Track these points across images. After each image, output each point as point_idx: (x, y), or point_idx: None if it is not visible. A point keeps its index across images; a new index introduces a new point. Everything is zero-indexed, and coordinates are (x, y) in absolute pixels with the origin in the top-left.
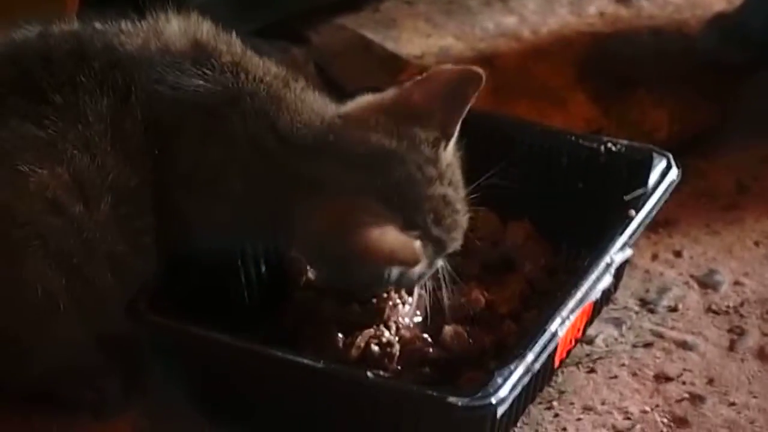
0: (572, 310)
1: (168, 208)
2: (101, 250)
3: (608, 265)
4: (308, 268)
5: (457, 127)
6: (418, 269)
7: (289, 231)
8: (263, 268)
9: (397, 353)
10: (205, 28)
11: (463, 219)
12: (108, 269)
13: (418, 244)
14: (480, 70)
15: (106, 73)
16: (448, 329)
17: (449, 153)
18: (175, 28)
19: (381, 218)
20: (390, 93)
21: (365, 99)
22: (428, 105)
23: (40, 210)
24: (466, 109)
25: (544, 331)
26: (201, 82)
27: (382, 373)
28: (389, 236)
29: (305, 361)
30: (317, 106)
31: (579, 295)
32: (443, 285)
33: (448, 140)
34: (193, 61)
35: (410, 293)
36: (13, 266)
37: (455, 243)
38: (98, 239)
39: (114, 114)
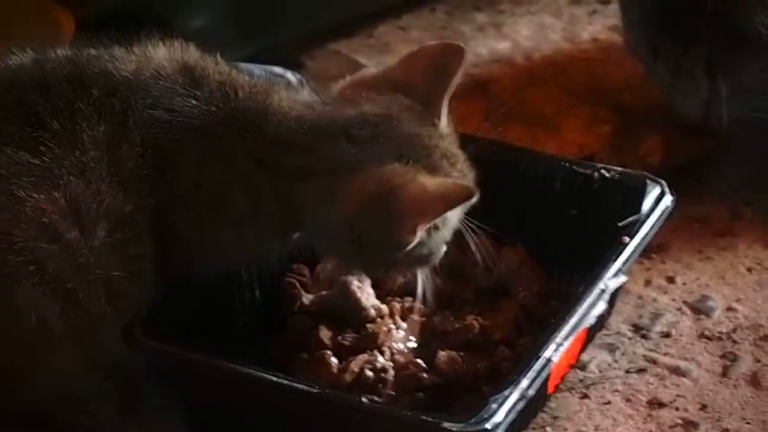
0: (566, 337)
1: (168, 233)
2: (96, 275)
3: (602, 292)
4: (302, 292)
5: (444, 103)
6: (452, 223)
7: (295, 235)
8: (257, 293)
9: (392, 378)
10: (191, 52)
11: (470, 175)
12: (103, 295)
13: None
14: (461, 44)
15: (104, 100)
16: (442, 354)
17: (443, 125)
18: (164, 53)
19: (409, 174)
20: (371, 71)
21: (345, 80)
22: (411, 80)
23: (36, 235)
24: (452, 84)
25: (539, 357)
26: (195, 103)
27: (376, 398)
28: (429, 183)
29: (300, 385)
30: (304, 101)
31: (573, 321)
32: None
33: (434, 115)
34: (185, 84)
35: (404, 318)
36: (8, 292)
37: (475, 191)
38: (93, 265)
39: (111, 140)
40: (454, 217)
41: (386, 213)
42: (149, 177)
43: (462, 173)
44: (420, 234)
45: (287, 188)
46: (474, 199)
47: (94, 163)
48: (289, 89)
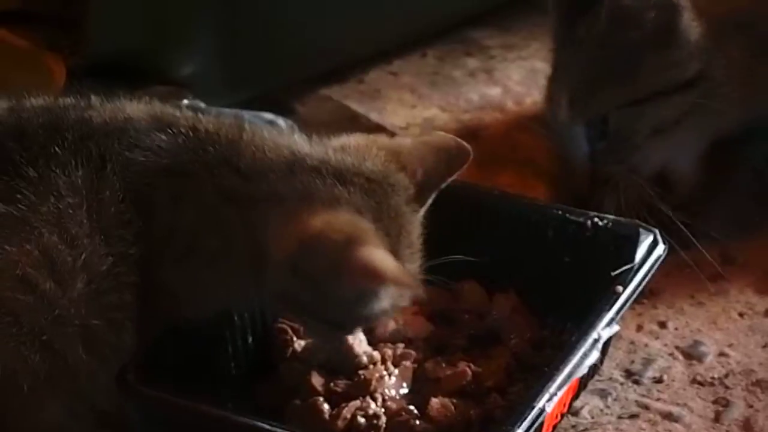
0: (560, 387)
1: (150, 279)
2: (74, 326)
3: (595, 341)
4: (294, 339)
5: (432, 196)
6: (389, 302)
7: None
8: (250, 339)
9: (384, 425)
10: (155, 104)
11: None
12: (80, 344)
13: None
14: (469, 148)
15: (80, 145)
16: (434, 401)
17: (420, 216)
18: (135, 105)
19: (372, 237)
20: (383, 138)
21: (357, 136)
22: (414, 163)
23: (11, 287)
24: (447, 181)
25: (532, 407)
26: (165, 140)
27: None
28: (382, 256)
29: None
30: (287, 139)
31: (566, 371)
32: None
33: (423, 203)
34: (155, 127)
35: (396, 364)
36: None
37: (410, 297)
38: (71, 315)
39: (90, 185)
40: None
41: (334, 262)
42: (132, 223)
43: (412, 273)
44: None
45: (253, 219)
46: (399, 306)
47: (72, 209)
48: (271, 130)
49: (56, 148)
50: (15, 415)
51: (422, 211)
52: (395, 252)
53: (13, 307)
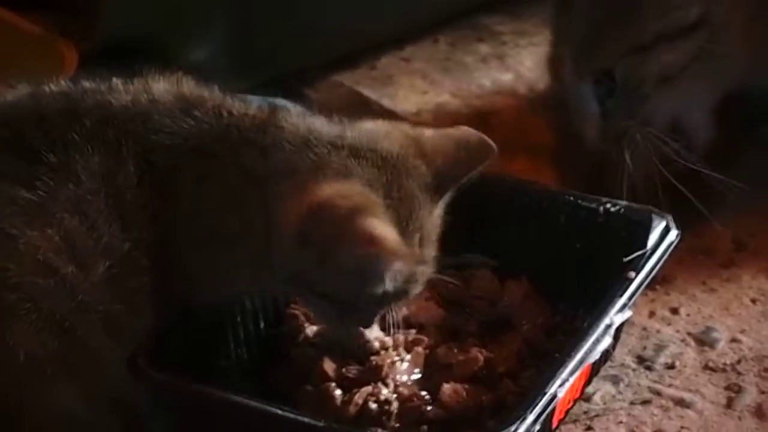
0: (572, 372)
1: (169, 262)
2: (95, 310)
3: (608, 327)
4: (306, 324)
5: (452, 190)
6: (395, 285)
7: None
8: (261, 325)
9: (395, 411)
10: (186, 84)
11: (429, 272)
12: (102, 329)
13: (405, 258)
14: (493, 145)
15: (97, 130)
16: (446, 387)
17: (437, 212)
18: (162, 85)
19: (380, 210)
20: (404, 125)
21: (379, 122)
22: (434, 153)
23: (31, 271)
24: (468, 175)
25: (544, 393)
26: (191, 123)
27: (380, 430)
28: (383, 227)
29: (305, 419)
30: (313, 120)
31: (579, 356)
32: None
33: (441, 196)
34: (181, 108)
35: (408, 350)
36: (3, 329)
37: (416, 288)
38: (91, 300)
39: (106, 171)
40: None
41: (337, 230)
42: (149, 206)
43: (421, 260)
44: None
45: (269, 195)
46: (409, 292)
47: (90, 195)
48: (293, 112)
49: (74, 134)
50: (32, 398)
51: (441, 203)
52: (402, 232)
53: (33, 291)
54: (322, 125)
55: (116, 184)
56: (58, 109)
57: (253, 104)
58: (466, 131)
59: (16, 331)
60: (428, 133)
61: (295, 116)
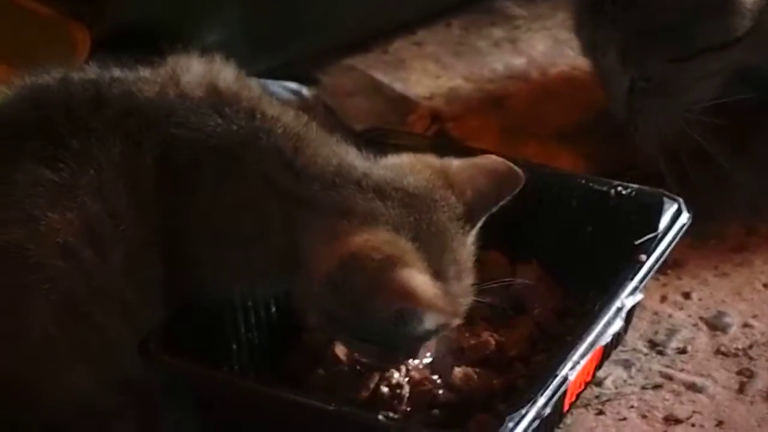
0: (583, 355)
1: (181, 253)
2: (112, 297)
3: (619, 310)
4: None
5: (482, 219)
6: (434, 324)
7: (299, 272)
8: (273, 309)
9: (407, 395)
10: (224, 73)
11: (466, 302)
12: (118, 316)
13: (441, 307)
14: (521, 174)
15: (120, 120)
16: (458, 371)
17: (469, 241)
18: (194, 74)
19: (413, 259)
20: (431, 158)
21: (405, 155)
22: (462, 183)
23: (51, 254)
24: (497, 205)
25: (555, 375)
26: (219, 122)
27: (391, 414)
28: (419, 279)
29: (316, 402)
30: (340, 148)
31: (590, 339)
32: None
33: (473, 226)
34: (211, 104)
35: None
36: (21, 309)
37: (456, 319)
38: (109, 286)
39: (126, 161)
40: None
41: (371, 282)
42: (165, 198)
43: (459, 293)
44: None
45: (294, 221)
46: (450, 326)
47: (110, 183)
48: (327, 133)
49: (98, 123)
50: (48, 378)
51: (473, 232)
52: (437, 270)
53: (52, 273)
54: (351, 159)
55: (135, 174)
56: (86, 97)
57: (291, 110)
58: (494, 160)
59: (35, 310)
60: (456, 163)
61: (329, 140)
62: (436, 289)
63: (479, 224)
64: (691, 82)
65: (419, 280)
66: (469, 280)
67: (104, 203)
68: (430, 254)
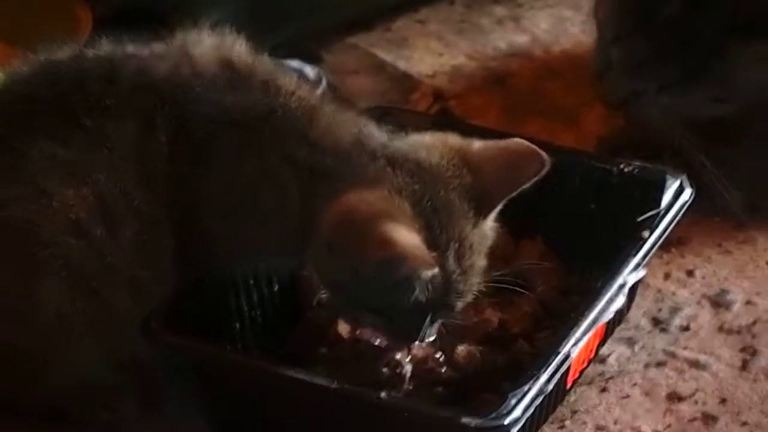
0: (585, 332)
1: (194, 229)
2: (122, 274)
3: (621, 287)
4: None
5: (501, 203)
6: (425, 295)
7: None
8: (276, 287)
9: (410, 373)
10: (237, 47)
11: (475, 283)
12: (128, 293)
13: (430, 265)
14: (546, 157)
15: (133, 97)
16: (461, 349)
17: (488, 224)
18: (206, 48)
19: (405, 217)
20: (455, 139)
21: (430, 135)
22: (481, 164)
23: (63, 230)
24: (518, 189)
25: (558, 352)
26: (234, 97)
27: (394, 393)
28: (402, 231)
29: (318, 381)
30: (356, 121)
31: (592, 316)
32: None
33: (490, 209)
34: (226, 79)
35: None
36: (32, 284)
37: (459, 298)
38: (119, 263)
39: (138, 138)
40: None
41: (358, 236)
42: (178, 174)
43: (457, 271)
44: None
45: (312, 193)
46: (453, 308)
47: (122, 161)
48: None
49: (111, 101)
50: (57, 354)
51: (490, 217)
52: (433, 241)
53: (64, 250)
54: (369, 131)
55: (148, 151)
56: (99, 74)
57: (305, 84)
58: (517, 143)
59: (46, 286)
60: (477, 144)
61: (344, 114)
62: (421, 244)
63: (498, 207)
64: None
65: (402, 233)
66: (476, 262)
67: (117, 180)
68: (428, 224)
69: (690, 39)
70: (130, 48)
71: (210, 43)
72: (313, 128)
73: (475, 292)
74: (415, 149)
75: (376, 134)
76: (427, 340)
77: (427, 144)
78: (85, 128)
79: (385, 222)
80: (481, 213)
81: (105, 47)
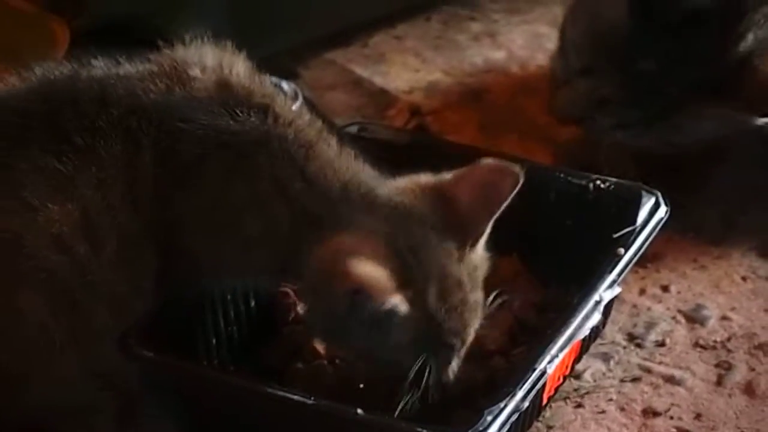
0: (561, 348)
1: (178, 249)
2: (103, 290)
3: (597, 303)
4: (297, 302)
5: (489, 226)
6: (409, 336)
7: (296, 273)
8: (252, 303)
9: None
10: (237, 68)
11: (473, 319)
12: (107, 309)
13: (397, 296)
14: (518, 169)
15: (123, 119)
16: None
17: (478, 253)
18: (205, 69)
19: (376, 255)
20: (428, 178)
21: (408, 178)
22: (457, 196)
23: (46, 245)
24: (499, 209)
25: (534, 369)
26: (228, 120)
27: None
28: (367, 265)
29: (295, 397)
30: (353, 163)
31: (568, 333)
32: None
33: (477, 238)
34: (221, 103)
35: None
36: (14, 295)
37: (454, 336)
38: (100, 280)
39: (126, 159)
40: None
41: (327, 274)
42: (163, 194)
43: (447, 311)
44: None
45: (302, 230)
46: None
47: (110, 180)
48: (339, 142)
49: (101, 122)
50: (39, 366)
51: (479, 245)
52: (408, 280)
53: (46, 264)
54: (362, 176)
55: (134, 172)
56: (92, 95)
57: (305, 114)
58: (487, 164)
59: (28, 299)
60: (448, 176)
61: (341, 153)
62: (385, 277)
63: (485, 233)
64: None
65: (367, 267)
66: (468, 297)
67: (102, 197)
68: (404, 263)
69: (657, 92)
70: (124, 68)
71: (210, 64)
72: (310, 164)
73: (476, 328)
74: (389, 194)
75: (364, 179)
76: (448, 380)
77: (402, 187)
78: (76, 146)
79: (351, 257)
80: (466, 243)
81: (99, 67)
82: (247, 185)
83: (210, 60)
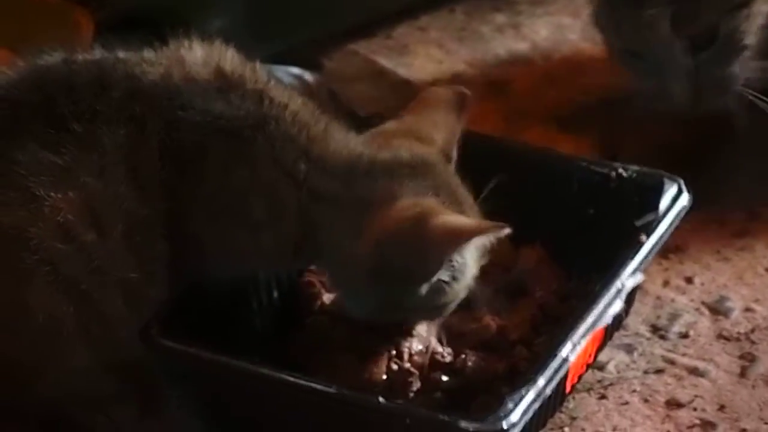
0: (583, 336)
1: (185, 235)
2: (112, 277)
3: (619, 291)
4: (322, 292)
5: (455, 148)
6: (471, 272)
7: (312, 258)
8: (275, 294)
9: (417, 385)
10: (229, 56)
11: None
12: (119, 297)
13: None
14: (467, 91)
15: (125, 103)
16: (460, 356)
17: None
18: (198, 56)
19: (438, 207)
20: (390, 123)
21: (370, 132)
22: (424, 129)
23: (52, 235)
24: (460, 129)
25: (555, 356)
26: (226, 106)
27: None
28: (458, 217)
29: (317, 386)
30: (344, 135)
31: (590, 320)
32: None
33: (449, 160)
34: (217, 87)
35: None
36: (22, 290)
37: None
38: (109, 267)
39: (129, 144)
40: (473, 265)
41: (417, 241)
42: (168, 180)
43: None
44: (444, 271)
45: (314, 211)
46: (502, 233)
47: (112, 166)
48: (330, 117)
49: (102, 106)
50: (49, 359)
51: (452, 165)
52: (460, 208)
53: (53, 255)
54: (354, 146)
55: (138, 157)
56: (88, 79)
57: (298, 97)
58: (438, 93)
59: (35, 292)
60: (411, 119)
61: (334, 130)
62: (472, 219)
63: (455, 155)
64: (752, 31)
65: (455, 218)
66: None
67: (106, 185)
68: (453, 205)
69: None
70: (121, 53)
71: (202, 51)
72: (313, 146)
73: None
74: (396, 154)
75: (360, 148)
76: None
77: (395, 142)
78: (74, 133)
79: (431, 218)
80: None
81: (95, 52)
82: (247, 169)
83: (202, 49)
